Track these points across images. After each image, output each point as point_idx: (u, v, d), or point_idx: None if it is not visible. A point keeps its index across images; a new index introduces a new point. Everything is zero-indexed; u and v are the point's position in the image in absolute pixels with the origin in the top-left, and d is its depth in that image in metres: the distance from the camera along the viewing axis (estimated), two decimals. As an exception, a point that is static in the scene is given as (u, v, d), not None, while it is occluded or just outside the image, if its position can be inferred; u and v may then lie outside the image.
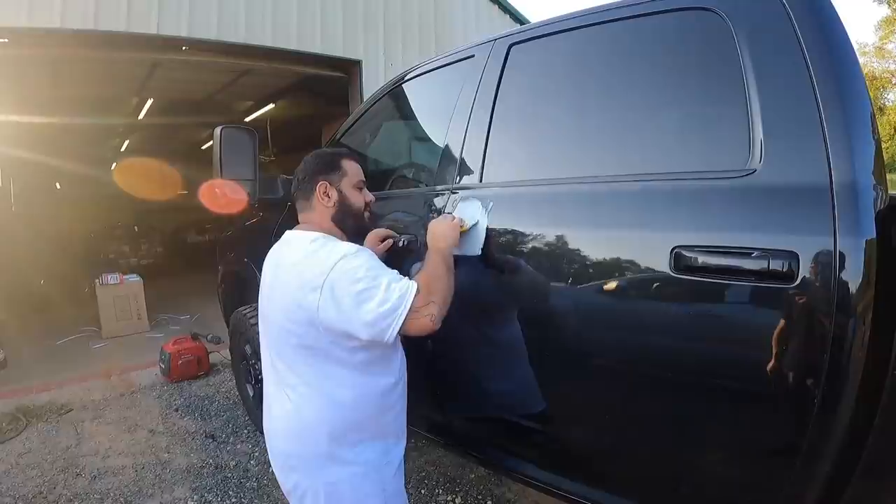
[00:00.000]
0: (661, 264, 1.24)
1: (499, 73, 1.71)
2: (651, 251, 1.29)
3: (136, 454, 3.36)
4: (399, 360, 1.57)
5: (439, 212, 1.77)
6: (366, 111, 2.40)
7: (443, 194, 1.79)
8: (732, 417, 1.24)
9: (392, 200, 2.13)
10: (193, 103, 9.15)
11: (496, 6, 7.58)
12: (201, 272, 7.47)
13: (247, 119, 10.38)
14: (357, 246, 1.47)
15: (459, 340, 1.69)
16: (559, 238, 1.47)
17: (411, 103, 2.30)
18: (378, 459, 1.52)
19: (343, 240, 1.56)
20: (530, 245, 1.52)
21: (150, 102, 9.46)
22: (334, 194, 1.60)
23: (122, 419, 3.92)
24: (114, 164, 17.58)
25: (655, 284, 1.29)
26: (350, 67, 6.23)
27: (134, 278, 6.54)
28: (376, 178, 2.39)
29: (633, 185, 1.37)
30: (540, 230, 1.51)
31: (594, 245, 1.41)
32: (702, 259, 1.21)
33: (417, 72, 2.14)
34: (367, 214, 1.66)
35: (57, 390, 4.42)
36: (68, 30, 4.55)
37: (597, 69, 1.60)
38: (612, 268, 1.36)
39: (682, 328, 1.29)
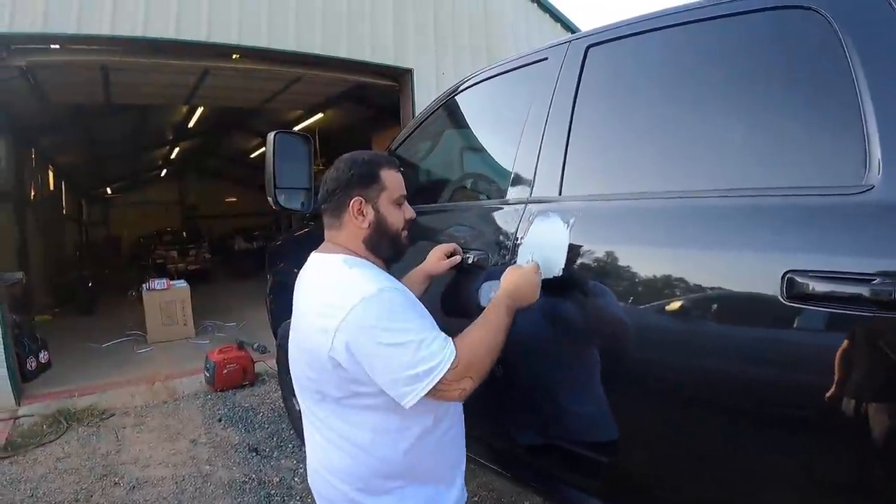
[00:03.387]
0: (771, 290, 1.07)
1: (577, 76, 1.56)
2: (759, 276, 1.12)
3: (177, 465, 3.31)
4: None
5: (515, 226, 1.61)
6: (425, 119, 2.27)
7: (516, 208, 1.64)
8: (850, 469, 1.07)
9: (456, 213, 1.99)
10: (243, 112, 9.31)
11: (548, 15, 7.47)
12: (248, 279, 7.56)
13: (296, 128, 10.50)
14: (385, 281, 1.25)
15: (530, 363, 1.54)
16: (652, 259, 1.30)
17: (476, 110, 2.16)
18: None
19: (375, 265, 1.36)
20: (618, 265, 1.36)
21: (200, 111, 9.66)
22: (370, 213, 1.36)
23: (164, 427, 3.91)
24: (164, 171, 18.13)
25: (764, 313, 1.12)
26: (401, 76, 6.18)
27: (181, 284, 6.62)
28: (436, 190, 2.27)
29: (737, 200, 1.20)
30: (629, 249, 1.35)
31: (692, 268, 1.24)
32: (818, 286, 1.03)
33: (481, 77, 2.00)
34: (405, 234, 1.43)
35: (99, 394, 4.45)
36: (118, 37, 4.60)
37: (688, 73, 1.43)
38: (713, 294, 1.20)
39: (792, 362, 1.11)
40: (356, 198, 1.34)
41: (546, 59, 1.70)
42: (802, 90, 1.23)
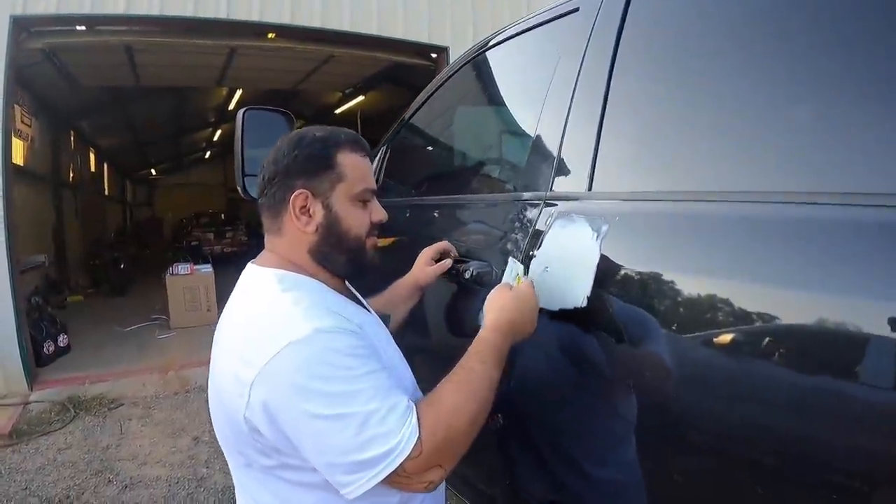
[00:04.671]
0: (889, 357, 0.64)
1: (616, 30, 1.13)
2: (870, 330, 0.67)
3: (174, 465, 3.18)
4: None
5: (526, 231, 1.20)
6: (437, 88, 1.87)
7: (532, 205, 1.23)
8: None
9: (452, 210, 1.61)
10: (281, 94, 9.16)
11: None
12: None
13: (336, 111, 10.33)
14: (326, 316, 0.90)
15: (539, 411, 1.17)
16: (714, 287, 0.85)
17: (489, 80, 1.75)
18: None
19: (329, 283, 1.03)
20: (665, 293, 0.91)
21: (239, 93, 9.58)
22: (318, 212, 1.00)
23: (170, 421, 3.79)
24: (208, 153, 18.28)
25: (879, 391, 0.67)
26: (437, 55, 5.79)
27: (206, 269, 6.47)
28: (435, 180, 1.92)
29: (846, 210, 0.74)
30: (683, 272, 0.91)
31: (769, 305, 0.78)
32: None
33: (503, 36, 1.58)
34: (370, 242, 1.07)
35: (112, 382, 4.36)
36: (134, 16, 4.48)
37: (788, 18, 0.93)
38: (805, 351, 0.75)
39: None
40: (300, 190, 0.99)
41: (577, 9, 1.27)
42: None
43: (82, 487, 2.91)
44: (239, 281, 1.05)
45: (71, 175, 9.02)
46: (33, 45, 4.50)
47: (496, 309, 1.03)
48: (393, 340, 1.13)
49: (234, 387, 0.90)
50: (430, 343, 1.46)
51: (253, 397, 0.86)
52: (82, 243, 9.19)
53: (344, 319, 0.91)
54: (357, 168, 1.03)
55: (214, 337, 1.02)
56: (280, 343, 0.85)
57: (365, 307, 1.14)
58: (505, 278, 1.12)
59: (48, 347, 4.75)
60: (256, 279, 1.01)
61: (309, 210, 1.00)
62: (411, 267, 1.35)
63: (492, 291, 1.07)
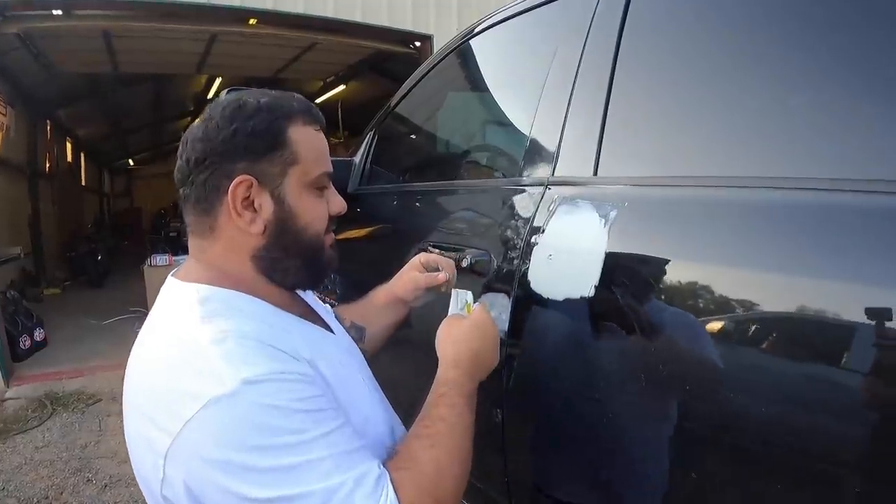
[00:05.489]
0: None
1: (621, 11, 1.08)
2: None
3: None
4: None
5: (527, 218, 1.12)
6: (432, 68, 1.81)
7: (533, 190, 1.16)
8: None
9: (447, 196, 1.55)
10: (262, 82, 8.95)
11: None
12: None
13: (317, 100, 10.20)
14: (263, 360, 0.67)
15: (555, 405, 1.10)
16: (730, 276, 0.80)
17: (483, 63, 1.68)
18: None
19: (272, 299, 0.81)
20: (678, 283, 0.86)
21: (218, 81, 9.43)
22: (267, 206, 0.77)
23: None
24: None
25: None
26: (420, 43, 5.72)
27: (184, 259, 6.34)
28: (427, 165, 1.87)
29: (862, 198, 0.70)
30: (696, 260, 0.86)
31: (785, 293, 0.74)
32: None
33: (496, 19, 1.52)
34: (328, 240, 0.86)
35: (89, 376, 4.27)
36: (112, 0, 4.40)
37: (790, 4, 0.90)
38: (812, 339, 0.71)
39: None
40: (242, 177, 0.75)
41: None
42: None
43: (61, 487, 2.85)
44: (157, 299, 0.82)
45: (48, 165, 8.79)
46: (8, 29, 4.40)
47: (453, 342, 0.88)
48: (365, 364, 0.97)
49: (146, 453, 0.69)
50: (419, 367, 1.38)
51: (169, 473, 0.66)
52: (59, 235, 9.00)
53: (287, 358, 0.70)
54: (313, 146, 0.81)
55: (127, 364, 0.78)
56: (196, 402, 0.63)
57: (325, 323, 0.94)
58: (452, 310, 0.99)
59: (24, 342, 4.63)
60: (175, 299, 0.78)
61: (254, 203, 0.77)
62: (398, 263, 1.21)
63: (442, 325, 0.93)
